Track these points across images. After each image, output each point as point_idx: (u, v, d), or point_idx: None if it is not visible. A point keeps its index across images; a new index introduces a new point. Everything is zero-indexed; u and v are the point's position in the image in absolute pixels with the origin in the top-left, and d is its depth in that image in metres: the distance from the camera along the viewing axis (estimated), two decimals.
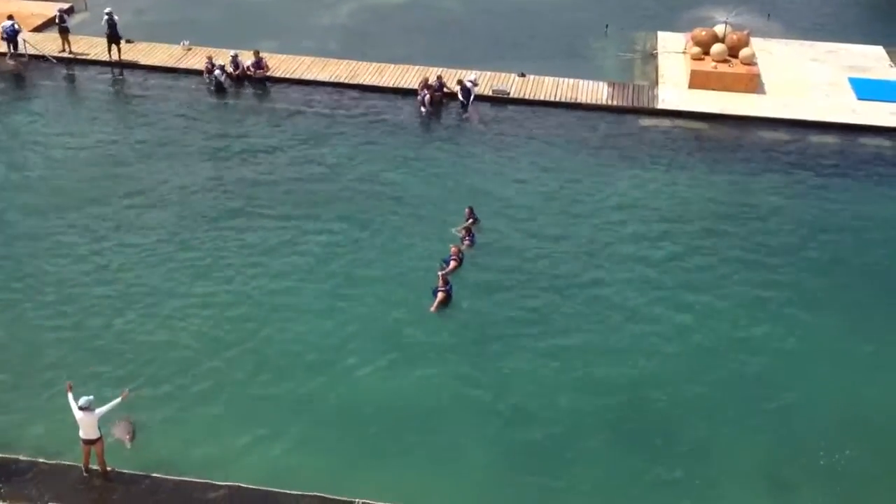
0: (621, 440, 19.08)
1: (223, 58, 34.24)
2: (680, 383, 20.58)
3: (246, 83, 34.10)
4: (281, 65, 34.86)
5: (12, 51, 34.85)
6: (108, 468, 17.46)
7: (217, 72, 33.42)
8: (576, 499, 17.70)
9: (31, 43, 35.32)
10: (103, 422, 17.38)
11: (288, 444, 18.69)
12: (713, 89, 33.50)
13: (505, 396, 20.10)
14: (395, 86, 34.06)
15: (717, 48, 34.23)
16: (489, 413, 19.66)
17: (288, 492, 17.19)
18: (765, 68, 34.59)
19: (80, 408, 16.88)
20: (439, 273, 23.04)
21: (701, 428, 19.41)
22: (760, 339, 22.00)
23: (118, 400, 17.39)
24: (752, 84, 33.55)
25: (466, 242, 24.75)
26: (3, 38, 34.64)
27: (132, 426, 18.36)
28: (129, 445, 18.00)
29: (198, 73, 34.24)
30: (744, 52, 34.13)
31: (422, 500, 17.15)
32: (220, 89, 33.40)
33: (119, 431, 18.19)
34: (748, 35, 34.94)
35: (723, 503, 17.72)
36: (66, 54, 35.31)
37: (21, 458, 17.80)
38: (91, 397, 17.05)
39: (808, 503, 17.78)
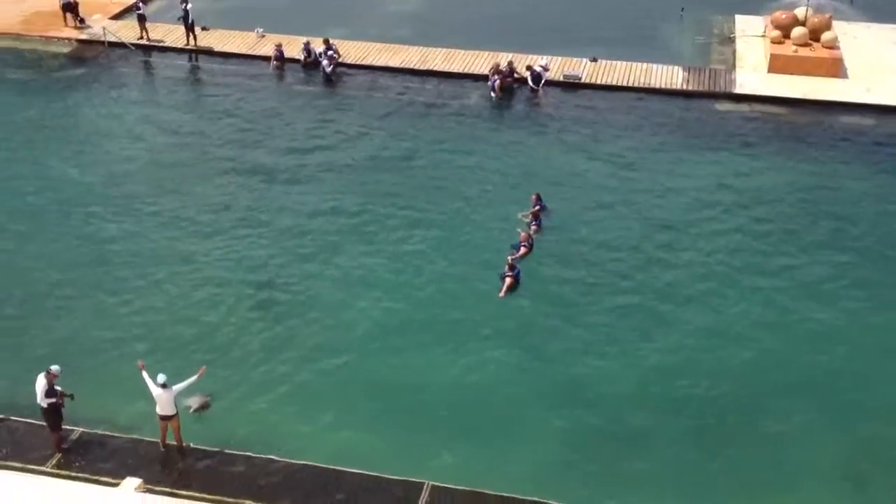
0: (689, 430, 18.70)
1: (296, 46, 34.57)
2: (751, 373, 20.10)
3: (316, 70, 34.35)
4: (351, 51, 35.04)
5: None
6: (185, 444, 17.80)
7: (325, 62, 33.57)
8: (639, 486, 17.42)
9: (112, 30, 36.15)
10: (180, 397, 17.71)
11: (354, 425, 18.79)
12: (793, 74, 32.62)
13: (571, 382, 19.89)
14: (465, 71, 33.96)
15: (797, 31, 33.29)
16: (556, 398, 19.48)
17: (354, 471, 17.28)
18: (847, 52, 33.53)
19: (158, 385, 17.24)
20: (508, 258, 22.90)
21: (772, 420, 18.90)
22: (838, 330, 21.33)
23: (194, 378, 17.71)
24: (835, 68, 32.55)
25: (534, 227, 24.56)
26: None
27: (208, 399, 18.59)
28: (203, 410, 18.18)
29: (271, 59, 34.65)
30: (826, 36, 33.12)
31: (488, 483, 17.05)
32: (327, 80, 33.54)
33: (195, 402, 18.46)
34: (830, 18, 33.92)
35: (795, 497, 17.22)
36: (144, 41, 36.06)
37: (100, 432, 18.26)
38: (167, 375, 17.38)
39: (883, 498, 17.16)
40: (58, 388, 17.53)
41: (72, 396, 17.69)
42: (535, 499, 16.76)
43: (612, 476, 17.70)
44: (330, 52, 33.78)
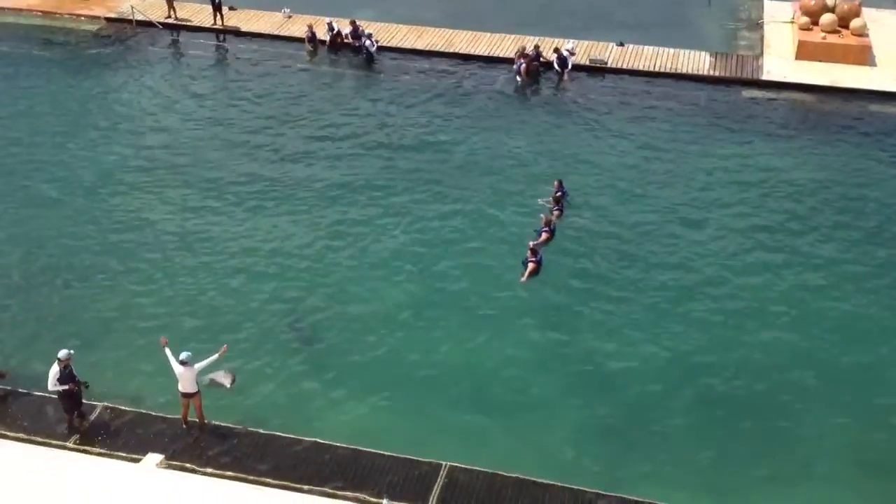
0: (708, 419, 18.71)
1: (322, 26, 34.63)
2: (775, 362, 20.05)
3: (342, 51, 34.42)
4: (377, 33, 34.99)
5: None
6: (206, 421, 18.04)
7: (368, 42, 33.60)
8: (655, 473, 17.46)
9: (140, 9, 36.36)
10: (202, 375, 17.92)
11: (374, 405, 18.98)
12: (821, 61, 32.30)
13: (591, 367, 19.96)
14: (490, 54, 33.88)
15: (826, 18, 32.89)
16: (575, 383, 19.55)
17: (373, 450, 17.45)
18: (876, 40, 33.08)
19: (180, 362, 17.44)
20: (530, 244, 22.93)
21: (792, 410, 18.85)
22: (862, 320, 21.22)
23: (216, 356, 17.90)
24: (863, 56, 32.16)
25: (556, 213, 24.53)
26: None
27: (233, 373, 18.75)
28: (228, 386, 18.38)
29: (298, 40, 34.72)
30: (855, 23, 32.70)
31: (507, 465, 17.17)
32: (370, 59, 33.59)
33: (220, 377, 18.58)
34: (859, 5, 33.45)
35: (809, 486, 17.17)
36: (171, 20, 36.23)
37: (123, 408, 18.52)
38: (190, 353, 17.59)
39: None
40: (75, 374, 17.56)
41: (86, 385, 17.77)
42: (552, 482, 16.84)
43: (627, 462, 17.76)
44: (369, 32, 33.79)
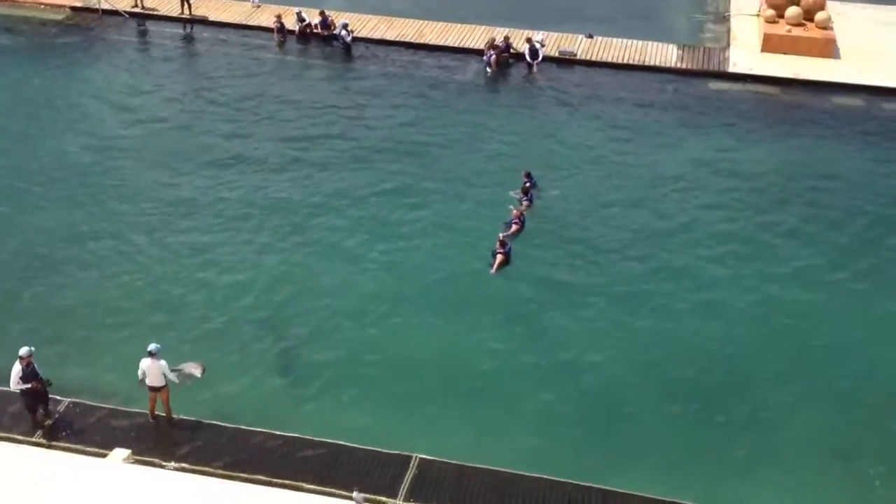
0: (678, 405, 18.93)
1: (291, 15, 34.40)
2: (741, 350, 20.33)
3: (312, 41, 34.26)
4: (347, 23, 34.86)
5: None
6: (173, 415, 17.95)
7: (343, 33, 33.35)
8: (626, 463, 17.63)
9: None
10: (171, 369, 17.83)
11: (345, 398, 18.97)
12: (786, 53, 32.65)
13: (561, 357, 20.09)
14: (461, 45, 33.87)
15: (792, 11, 33.24)
16: (545, 373, 19.69)
17: (343, 443, 17.43)
18: (840, 33, 33.49)
19: (147, 353, 17.31)
20: (500, 235, 23.01)
21: (762, 397, 19.13)
22: (827, 308, 21.56)
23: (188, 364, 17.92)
24: (828, 49, 32.56)
25: (525, 204, 24.62)
26: None
27: (203, 364, 18.68)
28: (199, 375, 18.22)
29: (267, 30, 34.49)
30: (819, 16, 33.09)
31: (476, 456, 17.25)
32: (347, 50, 33.32)
33: (190, 367, 18.49)
34: None
35: (782, 473, 17.44)
36: (138, 9, 35.83)
37: (89, 403, 18.34)
38: (158, 345, 17.45)
39: (868, 475, 17.41)
40: (38, 372, 17.33)
41: (50, 382, 17.53)
42: (523, 472, 16.94)
43: (599, 452, 17.91)
44: (345, 23, 33.61)
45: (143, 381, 17.59)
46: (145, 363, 17.38)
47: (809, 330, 20.95)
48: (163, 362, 17.39)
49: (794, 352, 20.33)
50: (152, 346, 17.35)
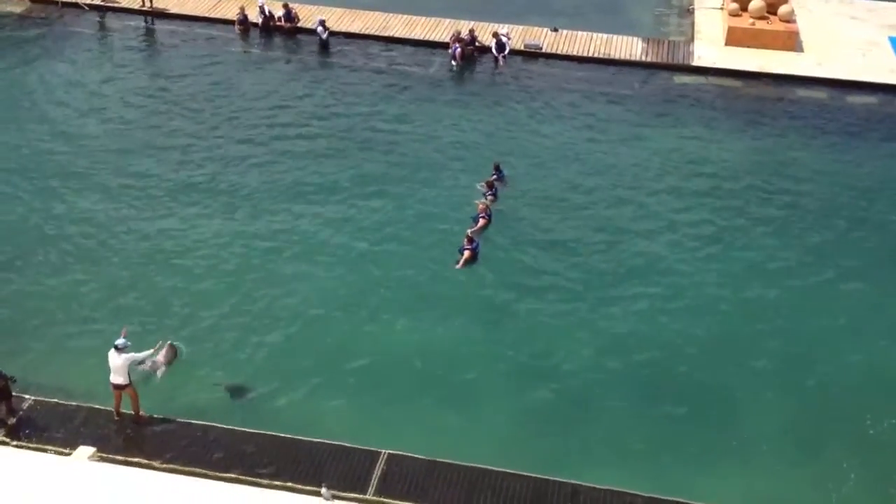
0: (646, 399, 19.04)
1: (254, 8, 34.10)
2: (708, 344, 20.47)
3: (276, 33, 33.96)
4: (311, 16, 34.56)
5: None
6: (142, 414, 17.70)
7: (319, 28, 32.97)
8: (595, 456, 17.71)
9: None
10: (133, 366, 17.59)
11: (313, 394, 18.87)
12: (750, 46, 32.92)
13: (529, 352, 20.12)
14: (426, 38, 33.75)
15: (755, 4, 33.50)
16: (513, 368, 19.71)
17: (311, 439, 17.34)
18: (803, 26, 33.88)
19: (114, 346, 17.06)
20: (468, 231, 22.96)
21: (726, 391, 19.28)
22: (790, 301, 21.77)
23: (150, 351, 17.62)
24: (790, 42, 32.89)
25: (490, 198, 24.58)
26: None
27: (174, 352, 18.42)
28: (165, 363, 18.17)
29: (230, 22, 34.13)
30: (783, 9, 33.41)
31: (445, 452, 17.24)
32: (323, 46, 32.93)
33: (158, 359, 18.39)
34: None
35: (750, 465, 17.64)
36: (98, 1, 35.28)
37: (53, 401, 18.07)
38: (125, 340, 17.22)
39: (835, 467, 17.63)
40: (1, 370, 17.10)
41: (14, 379, 17.29)
42: (491, 467, 16.96)
43: (568, 446, 17.94)
44: (322, 19, 33.26)
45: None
46: (111, 358, 17.12)
47: (777, 322, 21.14)
48: (127, 356, 17.10)
49: (763, 345, 20.50)
50: (119, 341, 17.10)
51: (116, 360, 17.10)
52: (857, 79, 31.30)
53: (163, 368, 18.56)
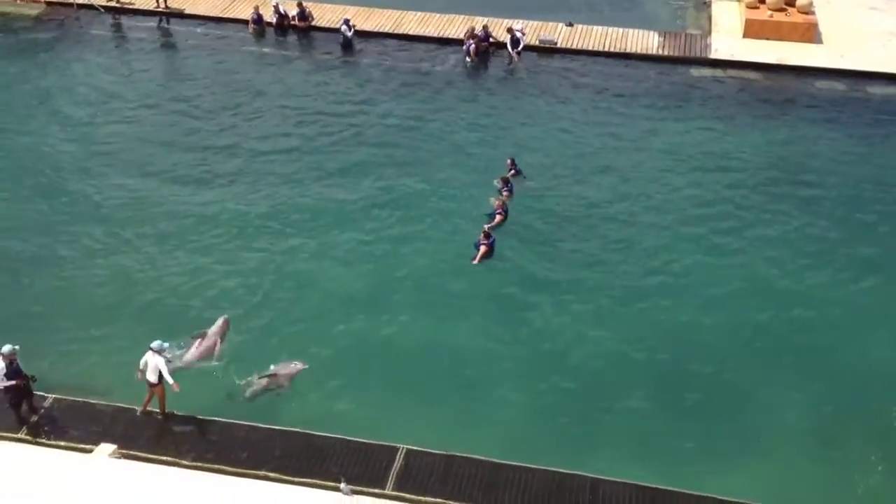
0: (665, 393, 18.93)
1: (268, 7, 34.16)
2: (725, 338, 20.31)
3: (290, 32, 34.01)
4: (325, 14, 34.61)
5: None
6: (167, 411, 17.73)
7: (344, 27, 32.88)
8: (613, 450, 17.61)
9: None
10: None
11: (331, 391, 18.85)
12: (768, 39, 32.64)
13: (545, 347, 20.04)
14: (440, 35, 33.70)
15: None
16: (530, 363, 19.63)
17: (330, 435, 17.32)
18: (822, 17, 33.53)
19: (149, 348, 17.18)
20: (485, 227, 22.89)
21: (744, 384, 19.12)
22: (809, 294, 21.57)
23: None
24: (809, 34, 32.59)
25: (505, 193, 24.47)
26: None
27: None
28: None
29: (243, 22, 34.20)
30: (801, 1, 33.09)
31: (463, 446, 17.18)
32: (347, 45, 32.87)
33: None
34: None
35: (771, 459, 17.46)
36: (113, 3, 35.44)
37: (74, 399, 18.12)
38: (165, 344, 17.34)
39: (854, 462, 17.44)
40: (21, 369, 17.12)
41: (34, 378, 17.35)
42: (509, 462, 16.90)
43: (584, 440, 17.87)
44: (346, 18, 33.12)
45: (143, 374, 17.42)
46: (146, 357, 17.22)
47: (797, 314, 20.96)
48: (160, 359, 17.15)
49: (783, 337, 20.33)
50: (154, 343, 17.20)
51: (149, 361, 17.18)
52: (878, 70, 30.96)
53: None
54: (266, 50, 33.16)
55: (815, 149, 27.34)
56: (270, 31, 33.99)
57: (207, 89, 30.29)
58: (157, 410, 17.79)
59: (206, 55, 32.52)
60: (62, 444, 17.12)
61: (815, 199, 25.00)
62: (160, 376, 17.26)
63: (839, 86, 30.50)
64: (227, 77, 31.06)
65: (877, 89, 30.26)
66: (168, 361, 17.50)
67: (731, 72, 31.43)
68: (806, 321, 20.80)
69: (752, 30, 32.81)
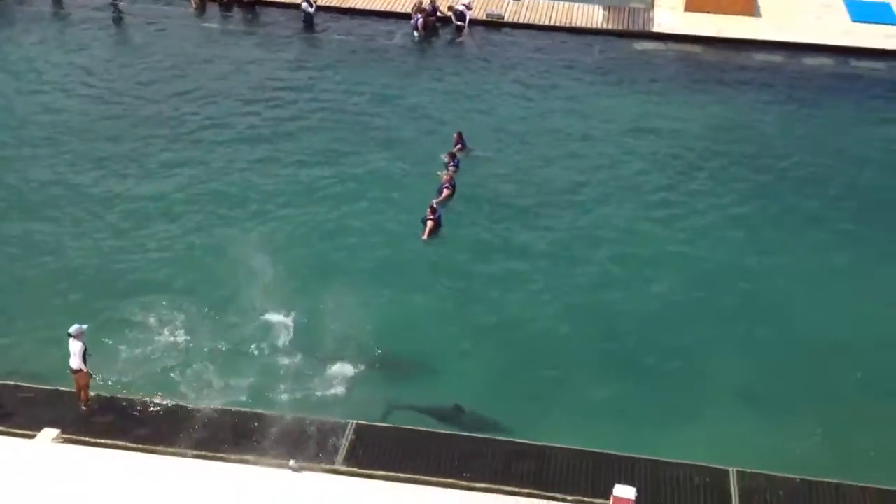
0: (614, 361, 19.18)
1: None
2: (671, 306, 20.66)
3: (235, 7, 33.56)
4: None
5: None
6: (88, 402, 17.25)
7: (304, 4, 32.45)
8: (562, 417, 17.82)
9: None
10: None
11: (278, 368, 18.75)
12: (709, 12, 33.13)
13: (495, 319, 20.19)
14: (387, 10, 33.51)
15: None
16: (480, 335, 19.76)
17: (276, 413, 17.18)
18: None
19: (69, 333, 16.86)
20: (433, 202, 22.94)
21: (688, 351, 19.46)
22: (751, 262, 22.02)
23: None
24: (748, 6, 33.09)
25: (452, 168, 24.51)
26: None
27: None
28: None
29: None
30: None
31: (415, 420, 17.31)
32: (309, 22, 32.39)
33: None
34: None
35: (703, 421, 17.76)
36: None
37: (17, 384, 17.77)
38: (84, 327, 16.98)
39: (795, 425, 17.84)
40: None
41: None
42: (459, 432, 17.05)
43: (534, 409, 18.05)
44: None
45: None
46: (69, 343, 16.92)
47: (735, 281, 21.38)
48: (77, 344, 16.73)
49: (721, 304, 20.72)
50: (73, 328, 16.85)
51: (71, 346, 16.85)
52: (813, 41, 31.56)
53: None
54: (207, 24, 32.69)
55: (753, 119, 27.86)
56: (214, 7, 33.41)
57: (147, 66, 29.81)
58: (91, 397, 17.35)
59: (147, 33, 31.95)
60: (5, 429, 16.79)
61: (755, 168, 25.51)
62: (83, 362, 16.90)
63: (777, 58, 31.04)
64: (166, 52, 30.59)
65: (812, 60, 30.85)
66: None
67: (673, 45, 31.83)
68: (748, 288, 21.23)
69: (694, 3, 33.23)
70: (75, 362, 16.93)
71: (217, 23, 32.86)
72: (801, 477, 16.01)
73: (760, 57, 31.10)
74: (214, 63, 30.16)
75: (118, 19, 33.04)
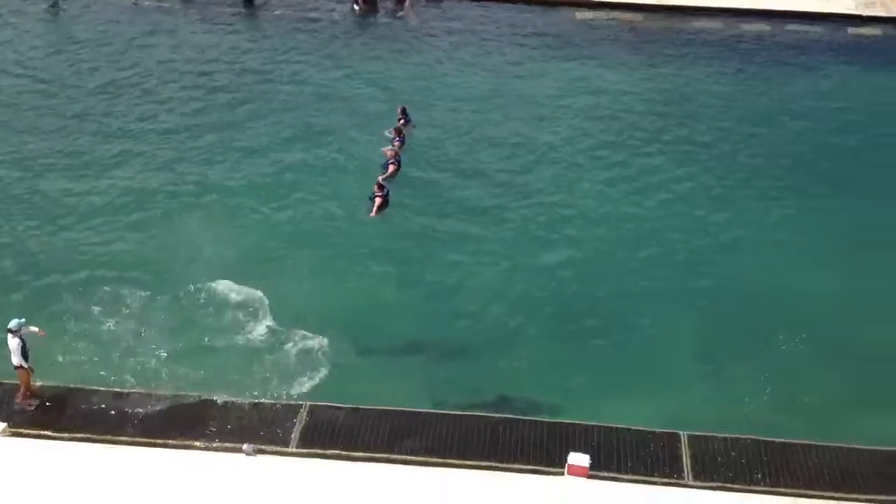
0: (557, 329, 19.32)
1: None
2: (616, 270, 20.90)
3: None
4: None
5: None
6: (23, 400, 16.89)
7: None
8: (518, 388, 17.92)
9: None
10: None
11: (230, 351, 18.55)
12: None
13: (446, 294, 20.20)
14: None
15: None
16: (431, 310, 19.77)
17: (227, 398, 17.05)
18: None
19: (8, 328, 16.44)
20: (379, 178, 22.78)
21: (637, 317, 19.70)
22: (693, 226, 22.31)
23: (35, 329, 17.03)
24: None
25: (397, 143, 24.34)
26: None
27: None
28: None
29: None
30: None
31: (365, 399, 17.26)
32: (248, 2, 31.82)
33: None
34: None
35: (654, 387, 17.99)
36: None
37: None
38: (22, 320, 16.55)
39: (739, 383, 18.20)
40: None
41: None
42: (415, 409, 17.06)
43: (487, 384, 18.08)
44: None
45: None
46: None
47: (681, 247, 21.65)
48: (15, 341, 16.38)
49: (667, 269, 20.99)
50: (11, 323, 16.42)
51: (9, 343, 16.47)
52: (751, 7, 31.93)
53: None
54: (143, 3, 31.92)
55: (694, 85, 28.17)
56: None
57: (82, 46, 29.11)
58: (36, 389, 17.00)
59: (92, 14, 31.15)
60: None
61: (697, 134, 25.83)
62: (23, 358, 16.54)
63: (717, 24, 31.38)
64: (103, 33, 29.90)
65: (750, 26, 31.24)
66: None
67: (614, 13, 32.01)
68: (695, 252, 21.51)
69: None
70: (15, 359, 16.55)
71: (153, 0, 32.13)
72: (752, 437, 16.34)
73: (699, 24, 31.43)
74: (152, 47, 29.44)
75: (53, 4, 32.08)
